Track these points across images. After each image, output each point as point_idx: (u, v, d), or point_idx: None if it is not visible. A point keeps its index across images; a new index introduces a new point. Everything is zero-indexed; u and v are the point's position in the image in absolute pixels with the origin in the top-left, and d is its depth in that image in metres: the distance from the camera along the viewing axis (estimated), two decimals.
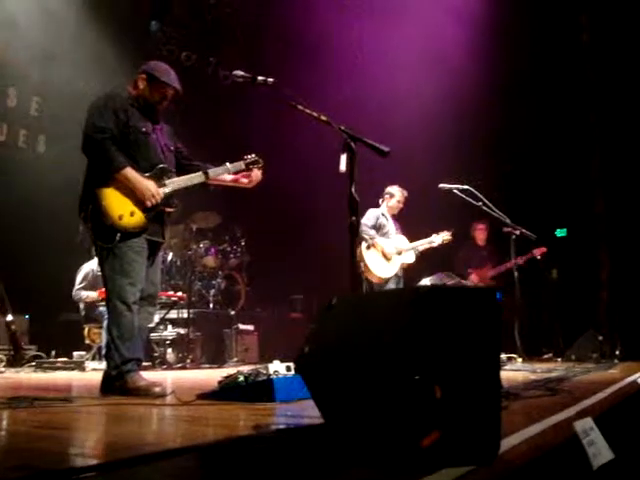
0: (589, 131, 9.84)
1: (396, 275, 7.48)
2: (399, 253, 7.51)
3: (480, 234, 9.09)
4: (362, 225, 7.32)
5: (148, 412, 3.03)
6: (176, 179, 4.16)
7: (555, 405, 2.73)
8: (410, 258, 7.62)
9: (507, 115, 9.34)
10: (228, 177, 4.45)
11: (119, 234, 3.88)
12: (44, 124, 9.51)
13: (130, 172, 3.90)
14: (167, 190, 4.06)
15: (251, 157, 4.47)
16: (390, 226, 7.62)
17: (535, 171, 9.64)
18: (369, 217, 7.52)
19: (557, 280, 8.95)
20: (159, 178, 4.06)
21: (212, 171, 4.32)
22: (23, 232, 8.25)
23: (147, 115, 4.15)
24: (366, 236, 7.33)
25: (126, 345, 3.86)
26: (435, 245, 7.69)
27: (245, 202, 9.51)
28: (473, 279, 8.63)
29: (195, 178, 4.27)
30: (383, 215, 7.63)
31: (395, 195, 7.66)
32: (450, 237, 7.74)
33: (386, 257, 7.43)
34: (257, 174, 4.45)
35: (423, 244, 7.68)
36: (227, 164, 4.39)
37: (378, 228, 7.52)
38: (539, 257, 7.97)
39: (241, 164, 4.42)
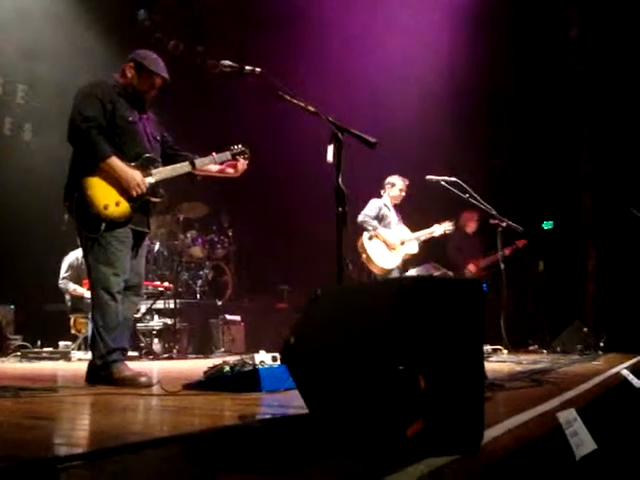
0: (578, 125, 9.88)
1: (397, 267, 7.45)
2: (402, 243, 7.48)
3: (471, 224, 9.10)
4: (364, 216, 7.34)
5: (134, 402, 3.02)
6: (162, 169, 4.15)
7: (539, 396, 2.75)
8: (413, 248, 7.59)
9: (496, 108, 9.37)
10: (214, 167, 4.44)
11: (104, 224, 3.86)
12: (30, 112, 9.44)
13: (115, 161, 3.87)
14: (153, 180, 4.04)
15: (238, 147, 4.46)
16: (392, 216, 7.58)
17: (523, 164, 9.67)
18: (371, 207, 7.48)
19: (543, 272, 8.99)
20: (145, 167, 4.03)
21: (199, 161, 4.31)
22: (8, 221, 8.21)
23: (134, 104, 4.12)
24: (369, 227, 7.31)
25: (111, 335, 3.84)
26: (436, 235, 7.69)
27: (232, 192, 9.51)
28: (471, 269, 8.64)
29: (181, 168, 4.26)
30: (385, 205, 7.58)
31: (396, 184, 7.61)
32: (452, 227, 7.77)
33: (389, 247, 7.39)
34: (243, 164, 4.45)
35: (425, 234, 7.65)
36: (213, 154, 4.38)
37: (380, 219, 7.48)
38: (521, 247, 8.11)
39: (227, 154, 4.42)
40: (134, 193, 3.93)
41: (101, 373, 3.81)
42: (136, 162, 4.01)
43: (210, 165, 4.40)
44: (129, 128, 4.03)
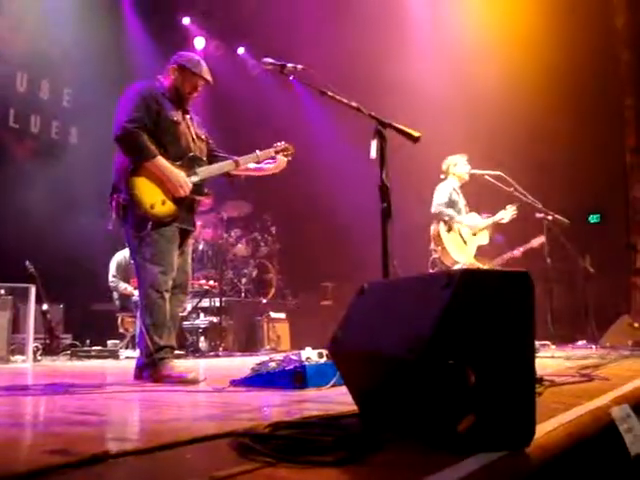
0: (624, 114, 9.68)
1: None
2: (474, 234, 7.07)
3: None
4: (438, 205, 6.91)
5: (182, 399, 3.05)
6: (206, 167, 4.20)
7: (591, 391, 2.70)
8: (485, 239, 7.19)
9: (542, 100, 9.22)
10: (254, 166, 4.47)
11: (151, 223, 3.92)
12: (76, 116, 9.61)
13: (161, 161, 3.93)
14: (197, 178, 4.09)
15: (281, 144, 4.49)
16: (461, 202, 7.12)
17: (569, 156, 9.51)
18: (442, 194, 7.01)
19: (590, 266, 8.83)
20: (189, 167, 4.08)
21: (242, 159, 4.36)
22: (57, 222, 8.36)
23: (178, 105, 4.18)
24: (445, 217, 6.87)
25: (159, 333, 3.89)
26: (505, 221, 7.14)
27: (275, 190, 9.54)
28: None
29: (225, 166, 4.31)
30: (454, 190, 7.11)
31: (459, 162, 7.11)
32: (516, 210, 7.08)
33: (463, 239, 6.98)
34: (282, 160, 4.47)
35: (493, 221, 7.15)
36: (257, 151, 4.42)
37: (450, 205, 6.99)
38: (536, 247, 7.47)
39: (271, 151, 4.46)
40: (179, 194, 3.98)
41: (149, 371, 3.85)
42: (181, 161, 4.06)
43: (251, 164, 4.43)
44: (173, 128, 4.09)
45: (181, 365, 4.05)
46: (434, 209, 6.91)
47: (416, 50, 9.87)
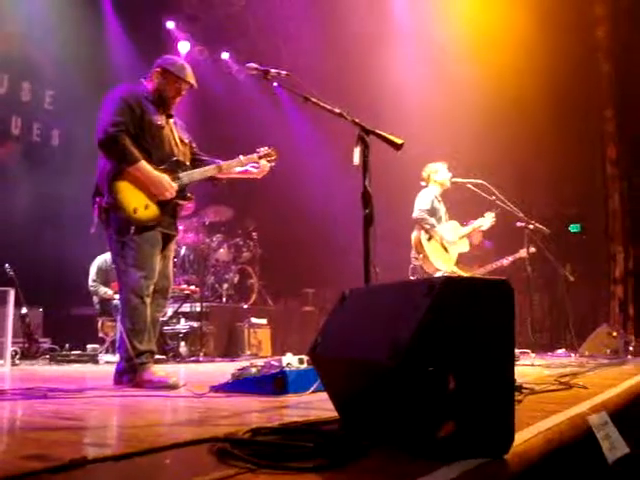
0: (603, 125, 9.78)
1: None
2: (454, 243, 7.02)
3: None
4: (420, 211, 6.83)
5: (161, 404, 3.03)
6: (190, 172, 4.19)
7: (569, 399, 2.72)
8: (465, 247, 7.16)
9: (523, 109, 9.29)
10: (237, 169, 4.45)
11: (133, 227, 3.90)
12: (58, 118, 9.55)
13: (144, 166, 3.91)
14: (181, 183, 4.09)
15: (264, 149, 4.48)
16: (442, 210, 7.07)
17: (549, 166, 9.59)
18: (425, 201, 6.93)
19: (570, 275, 8.91)
20: (173, 171, 4.08)
21: (225, 164, 4.35)
22: (37, 225, 8.31)
23: (161, 109, 4.16)
24: (427, 225, 6.80)
25: (139, 338, 3.88)
26: (485, 228, 7.16)
27: (257, 196, 9.54)
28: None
29: (209, 171, 4.30)
30: (436, 197, 7.05)
31: (440, 169, 7.03)
32: (495, 218, 7.07)
33: (444, 247, 6.92)
34: (265, 165, 4.45)
35: (472, 228, 7.13)
36: (240, 157, 4.41)
37: (432, 213, 6.92)
38: (525, 256, 7.43)
39: (254, 156, 4.45)
40: (163, 197, 3.97)
41: (129, 376, 3.83)
42: (164, 165, 4.05)
43: (235, 168, 4.42)
44: (157, 132, 4.08)
45: (162, 370, 4.03)
46: (416, 214, 6.84)
47: (400, 55, 9.92)
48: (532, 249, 7.28)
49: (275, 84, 3.64)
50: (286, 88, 3.61)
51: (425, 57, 9.76)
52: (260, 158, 4.45)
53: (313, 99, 3.46)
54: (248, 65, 3.64)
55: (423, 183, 7.13)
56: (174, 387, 3.66)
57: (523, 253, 7.30)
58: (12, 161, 8.93)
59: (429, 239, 6.84)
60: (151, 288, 3.97)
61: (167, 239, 4.16)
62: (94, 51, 9.40)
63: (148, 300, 3.95)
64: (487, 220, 7.07)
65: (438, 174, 7.04)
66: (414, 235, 6.91)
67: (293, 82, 3.53)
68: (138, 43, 9.72)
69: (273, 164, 4.50)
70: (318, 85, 3.54)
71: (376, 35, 10.02)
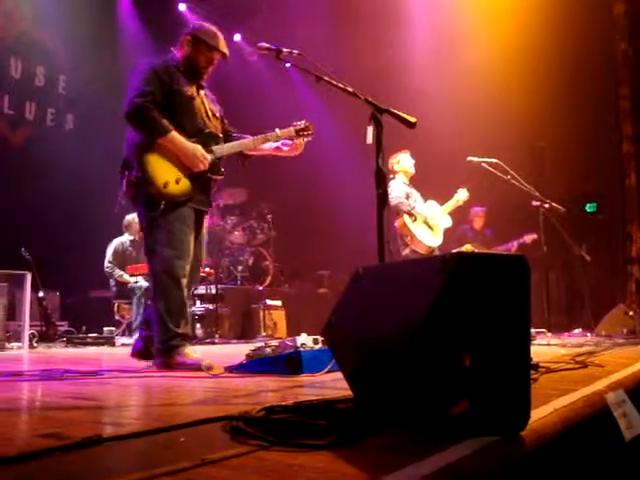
0: (619, 103, 9.65)
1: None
2: (438, 218, 7.27)
3: (478, 219, 9.08)
4: (396, 198, 7.03)
5: (176, 384, 3.04)
6: (223, 145, 3.99)
7: (586, 378, 2.70)
8: (448, 222, 7.38)
9: (538, 89, 9.19)
10: (270, 146, 4.17)
11: (164, 202, 3.71)
12: (72, 102, 9.57)
13: (175, 136, 3.74)
14: (214, 156, 3.90)
15: (301, 123, 4.13)
16: (416, 193, 7.35)
17: (565, 146, 9.49)
18: (396, 189, 7.16)
19: (586, 255, 8.84)
20: (205, 144, 3.88)
21: (261, 136, 4.08)
22: (54, 209, 8.35)
23: (192, 79, 3.97)
24: (405, 208, 7.05)
25: (174, 320, 3.70)
26: (462, 202, 7.41)
27: (272, 178, 9.52)
28: None
29: (244, 144, 4.08)
30: (405, 184, 7.31)
31: (402, 158, 7.30)
32: (467, 194, 7.40)
33: (429, 225, 7.19)
34: (300, 142, 4.14)
35: (452, 205, 7.39)
36: (276, 130, 4.11)
37: (407, 198, 7.20)
38: (529, 243, 7.72)
39: (290, 130, 4.11)
40: (197, 168, 3.80)
41: (162, 357, 3.70)
42: (196, 138, 3.85)
43: (268, 144, 4.15)
44: (188, 103, 3.89)
45: (195, 352, 3.84)
46: (393, 201, 6.94)
47: (410, 36, 9.83)
48: (534, 235, 7.46)
49: (287, 64, 3.59)
50: (298, 68, 3.57)
51: (436, 36, 9.66)
52: (297, 132, 4.11)
53: (325, 78, 3.42)
54: (260, 45, 3.51)
55: (391, 176, 7.33)
56: (209, 369, 3.44)
57: (528, 239, 7.50)
58: (26, 146, 8.97)
59: (414, 220, 7.10)
60: (187, 268, 3.76)
61: (200, 217, 3.96)
62: (106, 35, 9.40)
63: (184, 281, 3.74)
64: (462, 195, 7.36)
65: (401, 162, 7.34)
66: (398, 221, 7.12)
67: (305, 62, 3.48)
68: (150, 26, 9.70)
69: (310, 139, 4.17)
70: (329, 65, 3.49)
71: (389, 15, 9.93)
